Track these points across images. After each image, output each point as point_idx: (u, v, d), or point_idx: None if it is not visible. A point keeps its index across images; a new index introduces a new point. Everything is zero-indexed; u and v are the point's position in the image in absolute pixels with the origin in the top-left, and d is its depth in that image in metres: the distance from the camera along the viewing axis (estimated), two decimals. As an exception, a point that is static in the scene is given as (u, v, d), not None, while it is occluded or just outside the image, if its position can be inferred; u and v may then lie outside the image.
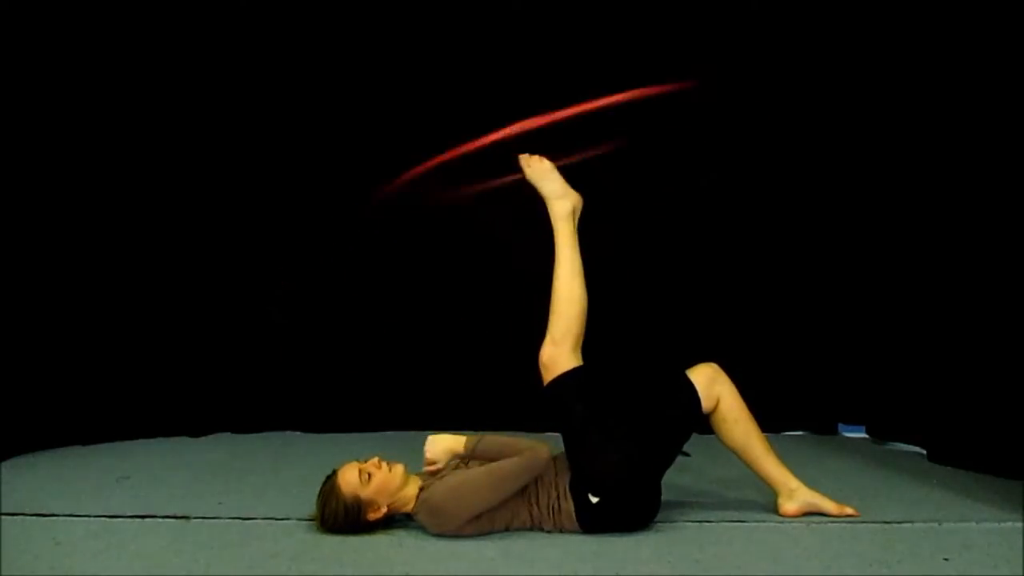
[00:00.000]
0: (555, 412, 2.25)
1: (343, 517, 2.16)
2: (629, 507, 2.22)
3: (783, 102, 3.57)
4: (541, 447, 2.18)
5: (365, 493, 2.16)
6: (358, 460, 2.22)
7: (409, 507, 2.21)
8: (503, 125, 2.74)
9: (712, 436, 2.34)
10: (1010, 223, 2.73)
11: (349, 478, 2.17)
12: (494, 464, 2.16)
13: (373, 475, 2.16)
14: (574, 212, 2.40)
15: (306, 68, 3.61)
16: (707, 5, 3.52)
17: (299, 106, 3.65)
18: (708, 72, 3.51)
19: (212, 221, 3.67)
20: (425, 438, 2.27)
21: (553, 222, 2.37)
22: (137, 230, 3.58)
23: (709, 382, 2.27)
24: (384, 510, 2.18)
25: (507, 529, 2.20)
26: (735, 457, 2.34)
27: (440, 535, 2.17)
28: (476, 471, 2.17)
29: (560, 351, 2.27)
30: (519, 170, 2.47)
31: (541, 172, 2.43)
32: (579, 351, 2.30)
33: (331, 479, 2.22)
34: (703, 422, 2.29)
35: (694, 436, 2.28)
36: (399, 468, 2.21)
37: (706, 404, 2.25)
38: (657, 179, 3.63)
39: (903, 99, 3.21)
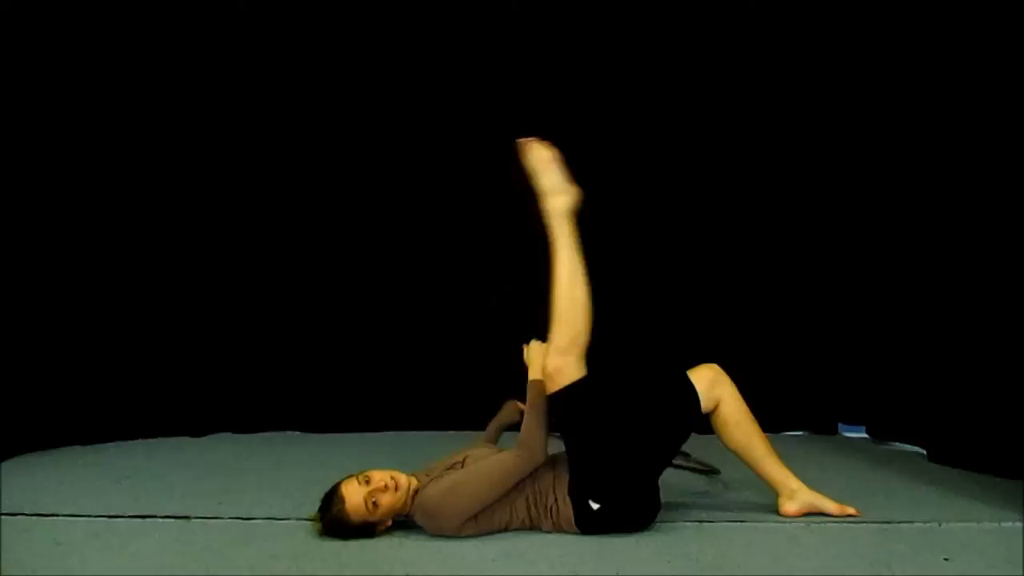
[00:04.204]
0: (561, 421, 2.20)
1: (353, 536, 2.14)
2: (629, 512, 2.21)
3: (783, 104, 3.57)
4: (538, 447, 2.16)
5: (375, 517, 2.13)
6: (357, 477, 2.14)
7: (406, 509, 2.19)
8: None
9: (713, 436, 2.34)
10: (1009, 224, 2.73)
11: (356, 504, 2.10)
12: (485, 463, 2.15)
13: (380, 503, 2.11)
14: (573, 210, 2.19)
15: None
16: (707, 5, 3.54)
17: (306, 108, 3.68)
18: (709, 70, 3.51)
19: (211, 223, 3.67)
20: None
21: (550, 220, 2.17)
22: (137, 231, 3.59)
23: (710, 383, 2.26)
24: (390, 522, 2.18)
25: (506, 529, 2.19)
26: (735, 457, 2.34)
27: (438, 534, 2.16)
28: (469, 470, 2.16)
29: (567, 361, 2.15)
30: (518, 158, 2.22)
31: (542, 162, 2.19)
32: (584, 359, 2.17)
33: (337, 506, 2.11)
34: (703, 423, 2.29)
35: (694, 436, 2.28)
36: (404, 483, 2.16)
37: (706, 405, 2.25)
38: (656, 179, 3.64)
39: (902, 101, 3.21)
